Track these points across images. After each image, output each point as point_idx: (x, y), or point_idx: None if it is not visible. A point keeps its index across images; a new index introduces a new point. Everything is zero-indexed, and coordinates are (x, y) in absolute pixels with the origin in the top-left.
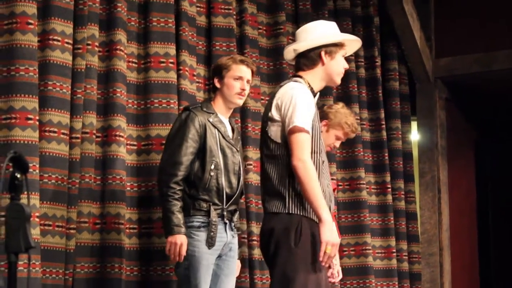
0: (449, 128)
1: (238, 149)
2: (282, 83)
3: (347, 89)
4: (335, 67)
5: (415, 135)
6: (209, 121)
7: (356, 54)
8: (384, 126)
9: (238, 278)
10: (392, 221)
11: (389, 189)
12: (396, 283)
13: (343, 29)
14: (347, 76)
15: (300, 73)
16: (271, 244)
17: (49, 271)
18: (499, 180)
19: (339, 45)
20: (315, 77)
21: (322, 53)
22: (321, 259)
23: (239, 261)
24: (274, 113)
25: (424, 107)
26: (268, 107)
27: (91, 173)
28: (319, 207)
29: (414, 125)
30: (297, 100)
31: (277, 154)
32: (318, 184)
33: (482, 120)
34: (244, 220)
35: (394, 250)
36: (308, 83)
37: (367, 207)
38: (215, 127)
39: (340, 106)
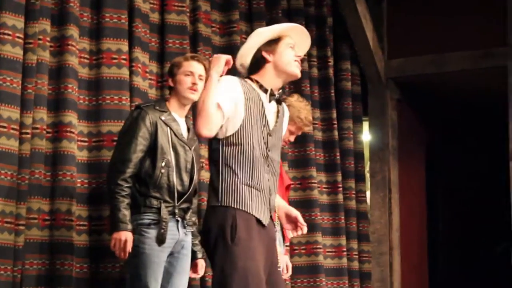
0: (401, 129)
1: (193, 148)
2: None
3: (300, 89)
4: (281, 59)
5: (366, 135)
6: (161, 119)
7: (309, 53)
8: (336, 125)
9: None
10: (343, 220)
11: (340, 189)
12: (346, 282)
13: None
14: (303, 77)
15: (252, 76)
16: (210, 243)
17: None
18: (450, 181)
19: (276, 40)
20: (266, 76)
21: (263, 53)
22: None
23: (203, 260)
24: None
25: (375, 107)
26: None
27: (41, 169)
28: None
29: (365, 125)
30: (218, 86)
31: (213, 148)
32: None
33: (434, 121)
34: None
35: (345, 249)
36: (256, 81)
37: (318, 206)
38: (167, 125)
39: (294, 99)
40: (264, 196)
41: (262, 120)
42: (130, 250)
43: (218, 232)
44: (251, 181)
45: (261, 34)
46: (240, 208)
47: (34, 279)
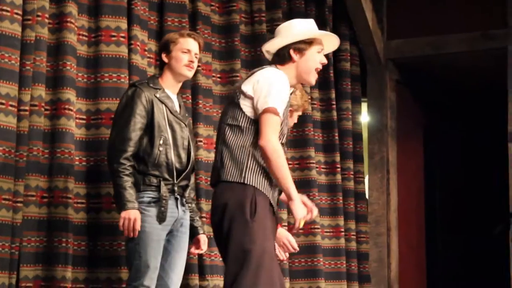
0: (399, 110)
1: (187, 124)
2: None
3: None
4: (306, 64)
5: (365, 116)
6: (156, 96)
7: None
8: (334, 106)
9: (187, 254)
10: (341, 201)
11: (339, 169)
12: (344, 262)
13: (296, 9)
14: None
15: (278, 66)
16: (224, 220)
17: None
18: (447, 162)
19: (309, 43)
20: (288, 73)
21: (291, 51)
22: (294, 231)
23: (204, 235)
24: (249, 89)
25: (374, 88)
26: (243, 82)
27: (39, 146)
28: (288, 185)
29: (364, 106)
30: (275, 83)
31: (244, 126)
32: (286, 163)
33: (432, 102)
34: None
35: (343, 230)
36: None
37: (316, 187)
38: (162, 102)
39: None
40: (275, 185)
41: (286, 114)
42: (139, 229)
43: (237, 207)
44: None
45: (298, 33)
46: (260, 189)
47: (31, 256)
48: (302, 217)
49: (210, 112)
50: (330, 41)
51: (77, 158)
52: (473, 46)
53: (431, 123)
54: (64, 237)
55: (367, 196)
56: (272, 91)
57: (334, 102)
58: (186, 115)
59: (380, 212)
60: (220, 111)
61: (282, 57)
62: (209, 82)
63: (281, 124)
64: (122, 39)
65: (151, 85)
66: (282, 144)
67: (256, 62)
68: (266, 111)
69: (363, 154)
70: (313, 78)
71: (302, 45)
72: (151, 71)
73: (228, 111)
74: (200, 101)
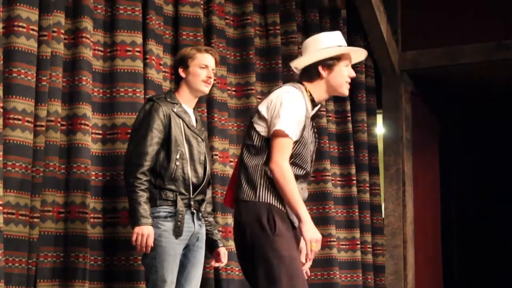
0: (414, 122)
1: (203, 138)
2: (283, 84)
3: None
4: (335, 80)
5: (380, 128)
6: (173, 111)
7: None
8: (350, 118)
9: (204, 268)
10: (357, 213)
11: (354, 181)
12: (360, 275)
13: (310, 22)
14: None
15: (305, 83)
16: (246, 239)
17: (12, 260)
18: (463, 173)
19: (337, 58)
20: (318, 89)
21: (320, 68)
22: (310, 257)
23: (224, 248)
24: (263, 110)
25: (389, 100)
26: (262, 102)
27: (55, 161)
28: (298, 207)
29: (379, 118)
30: (286, 104)
31: (258, 145)
32: (295, 186)
33: (448, 114)
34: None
35: (359, 242)
36: (309, 92)
37: (332, 199)
38: (179, 117)
39: None
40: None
41: (311, 137)
42: (152, 245)
43: (255, 225)
44: None
45: (326, 50)
46: (276, 205)
47: (48, 271)
48: (312, 239)
49: (225, 126)
50: (357, 54)
51: (93, 173)
52: (489, 56)
53: (446, 134)
54: (81, 252)
55: (382, 209)
56: (282, 113)
57: (349, 114)
58: (203, 129)
59: (396, 224)
60: (235, 124)
61: (310, 74)
62: (224, 96)
63: (298, 144)
64: (137, 53)
65: (168, 99)
66: (311, 160)
67: (271, 75)
68: (275, 134)
69: (378, 166)
70: (346, 90)
71: (330, 62)
72: (166, 85)
73: (247, 131)
74: (216, 115)
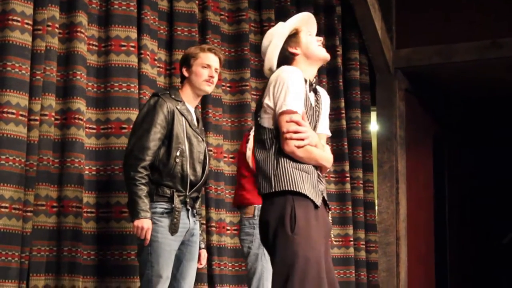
0: (408, 119)
1: (204, 138)
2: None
3: None
4: (309, 48)
5: (374, 125)
6: (177, 108)
7: None
8: (344, 115)
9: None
10: (350, 210)
11: (348, 178)
12: (353, 271)
13: None
14: None
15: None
16: (269, 235)
17: (4, 253)
18: (456, 171)
19: (294, 34)
20: (301, 67)
21: (289, 49)
22: None
23: (205, 250)
24: (267, 101)
25: (384, 97)
26: (264, 94)
27: (49, 155)
28: (323, 156)
29: (373, 115)
30: (288, 83)
31: (265, 138)
32: (317, 151)
33: (441, 111)
34: (203, 206)
35: (352, 239)
36: None
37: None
38: (182, 115)
39: None
40: (313, 179)
41: (311, 111)
42: (149, 238)
43: (277, 223)
44: (302, 166)
45: (279, 34)
46: (295, 189)
47: (41, 265)
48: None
49: (219, 122)
50: (308, 22)
51: (87, 167)
52: (483, 54)
53: (440, 132)
54: (73, 247)
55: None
56: (287, 92)
57: (343, 111)
58: (203, 128)
59: (389, 221)
60: (229, 120)
61: (285, 60)
62: (218, 92)
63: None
64: (132, 48)
65: (173, 96)
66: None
67: None
68: (282, 114)
69: (372, 163)
70: (325, 53)
71: (292, 39)
72: (160, 80)
73: (255, 130)
74: (210, 110)
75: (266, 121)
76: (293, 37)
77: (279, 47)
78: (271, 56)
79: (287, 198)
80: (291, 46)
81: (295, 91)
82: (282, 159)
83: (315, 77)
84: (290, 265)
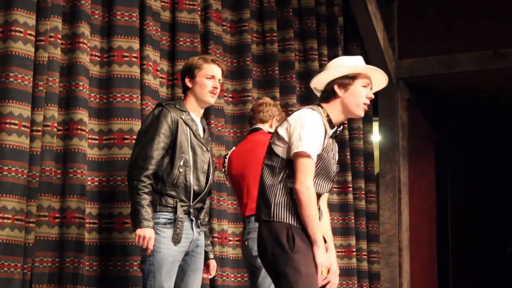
0: (410, 129)
1: (208, 149)
2: (301, 107)
3: (310, 89)
4: (351, 99)
5: (376, 135)
6: (181, 118)
7: (319, 52)
8: (346, 125)
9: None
10: (353, 221)
11: (350, 189)
12: (356, 282)
13: (307, 29)
14: (310, 75)
15: (323, 104)
16: (267, 256)
17: (7, 265)
18: (459, 181)
19: (352, 77)
20: (334, 109)
21: (335, 87)
22: (319, 281)
23: (214, 261)
24: (283, 133)
25: (386, 107)
26: (280, 125)
27: (51, 166)
28: (315, 231)
29: (375, 125)
30: (306, 126)
31: (276, 166)
32: (316, 209)
33: (443, 121)
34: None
35: (354, 250)
36: (327, 114)
37: (328, 206)
38: (187, 124)
39: (270, 101)
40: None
41: (330, 157)
42: (152, 248)
43: (275, 244)
44: None
45: (340, 68)
46: (292, 223)
47: (44, 276)
48: (323, 264)
49: (222, 132)
50: (377, 78)
51: (89, 178)
52: (485, 65)
53: (442, 142)
54: (76, 258)
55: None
56: (303, 134)
57: (345, 122)
58: (209, 138)
59: (392, 231)
60: (231, 130)
61: (327, 93)
62: (221, 102)
63: (318, 164)
64: (134, 59)
65: (178, 106)
66: (332, 181)
67: (268, 81)
68: (297, 155)
69: (374, 173)
70: (361, 112)
71: (346, 80)
72: (163, 91)
73: (266, 152)
74: (212, 121)
75: (281, 151)
76: (348, 78)
77: (330, 79)
78: (320, 82)
79: (283, 224)
80: (339, 85)
81: (315, 137)
82: (286, 191)
83: (340, 126)
84: (294, 282)
